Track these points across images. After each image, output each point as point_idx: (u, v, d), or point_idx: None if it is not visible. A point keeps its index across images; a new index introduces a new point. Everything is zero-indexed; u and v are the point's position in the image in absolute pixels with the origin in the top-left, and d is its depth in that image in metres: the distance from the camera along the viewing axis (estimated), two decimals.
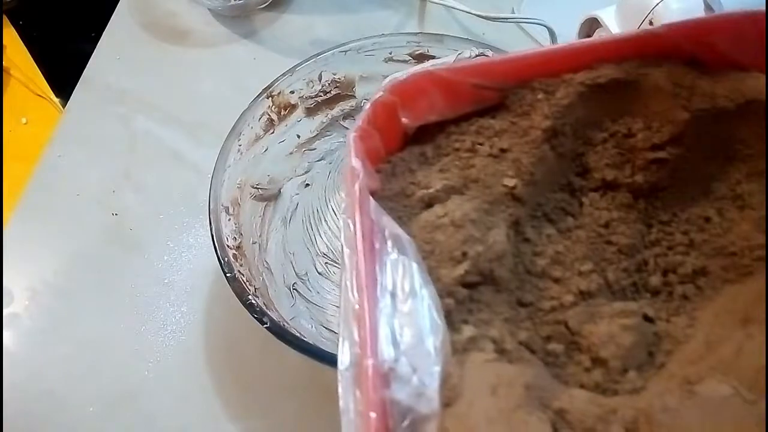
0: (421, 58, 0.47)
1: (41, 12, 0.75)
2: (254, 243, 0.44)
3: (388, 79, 0.24)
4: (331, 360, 0.35)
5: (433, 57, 0.46)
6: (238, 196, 0.43)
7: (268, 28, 0.66)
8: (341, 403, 0.19)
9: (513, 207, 0.25)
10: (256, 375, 0.47)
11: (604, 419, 0.19)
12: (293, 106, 0.47)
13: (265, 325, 0.35)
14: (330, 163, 0.50)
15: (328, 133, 0.50)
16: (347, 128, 0.51)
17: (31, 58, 0.71)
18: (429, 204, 0.24)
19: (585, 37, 0.49)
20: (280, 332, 0.35)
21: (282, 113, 0.47)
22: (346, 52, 0.46)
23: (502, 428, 0.19)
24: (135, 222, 0.54)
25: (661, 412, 0.19)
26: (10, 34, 0.73)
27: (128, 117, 0.60)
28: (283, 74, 0.46)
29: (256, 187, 0.45)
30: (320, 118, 0.49)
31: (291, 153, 0.49)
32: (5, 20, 0.73)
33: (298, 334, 0.36)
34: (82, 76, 0.63)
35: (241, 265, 0.40)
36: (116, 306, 0.50)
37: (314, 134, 0.50)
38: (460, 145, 0.25)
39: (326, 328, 0.43)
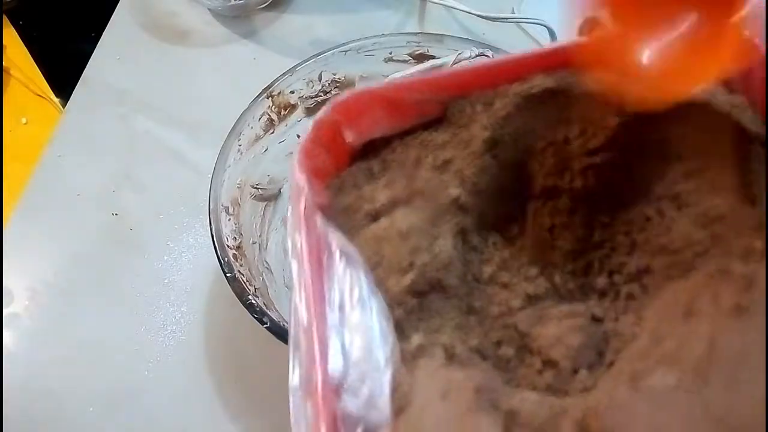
0: (421, 58, 0.47)
1: (41, 12, 0.75)
2: (254, 243, 0.44)
3: (332, 98, 0.25)
4: None
5: (433, 57, 0.46)
6: (238, 196, 0.43)
7: (268, 28, 0.66)
8: (292, 421, 0.20)
9: (458, 216, 0.25)
10: (256, 375, 0.47)
11: (554, 419, 0.19)
12: (293, 106, 0.47)
13: (265, 325, 0.35)
14: None
15: None
16: None
17: (31, 58, 0.71)
18: (376, 217, 0.24)
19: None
20: (280, 332, 0.35)
21: (282, 113, 0.47)
22: (346, 52, 0.46)
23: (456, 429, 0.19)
24: (135, 222, 0.54)
25: (609, 408, 0.19)
26: (10, 34, 0.73)
27: (128, 117, 0.60)
28: (283, 74, 0.46)
29: (256, 187, 0.45)
30: None
31: (291, 153, 0.49)
32: (5, 20, 0.73)
33: None
34: (82, 76, 0.63)
35: (241, 265, 0.40)
36: (116, 306, 0.50)
37: None
38: (405, 159, 0.26)
39: None
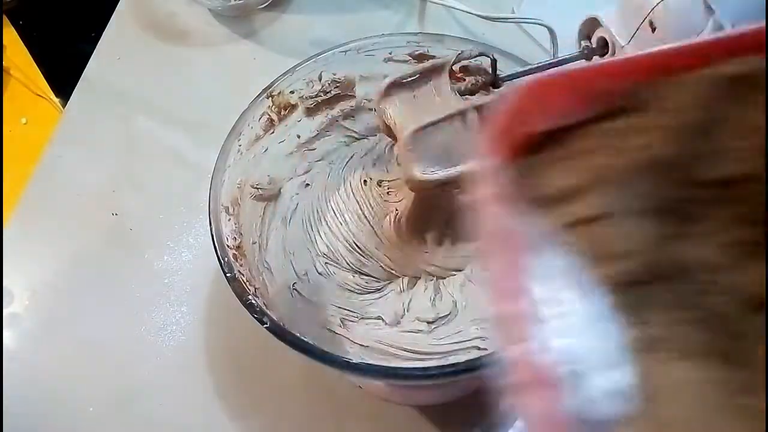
0: (421, 58, 0.47)
1: (41, 12, 0.75)
2: (254, 243, 0.44)
3: (519, 84, 0.24)
4: (330, 360, 0.35)
5: (433, 57, 0.46)
6: (238, 196, 0.43)
7: (268, 28, 0.66)
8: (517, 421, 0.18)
9: (655, 201, 0.23)
10: (256, 375, 0.47)
11: None
12: (293, 106, 0.47)
13: (265, 325, 0.35)
14: (330, 163, 0.50)
15: (328, 133, 0.50)
16: (347, 128, 0.51)
17: (31, 58, 0.71)
18: (563, 203, 0.23)
19: (585, 38, 0.49)
20: (280, 332, 0.35)
21: (282, 113, 0.47)
22: (346, 52, 0.46)
23: (705, 429, 0.18)
24: (135, 222, 0.54)
25: None
26: (10, 34, 0.73)
27: (128, 117, 0.60)
28: (283, 74, 0.46)
29: (256, 187, 0.45)
30: (320, 118, 0.49)
31: (291, 153, 0.49)
32: (5, 20, 0.73)
33: (298, 334, 0.36)
34: (82, 76, 0.63)
35: (241, 265, 0.40)
36: (116, 306, 0.50)
37: (314, 134, 0.50)
38: (592, 145, 0.24)
39: (326, 328, 0.43)
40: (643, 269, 0.21)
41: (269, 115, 0.46)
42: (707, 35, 0.26)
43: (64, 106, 0.64)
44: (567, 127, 0.25)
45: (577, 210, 0.22)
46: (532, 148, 0.25)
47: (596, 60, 0.47)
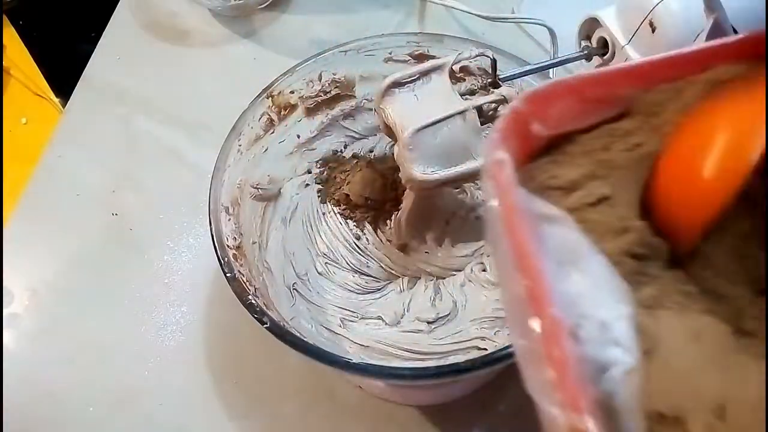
0: (421, 58, 0.47)
1: (41, 12, 0.75)
2: (254, 243, 0.44)
3: (525, 91, 0.25)
4: (330, 360, 0.35)
5: (433, 57, 0.46)
6: (238, 196, 0.43)
7: (268, 28, 0.66)
8: (531, 374, 0.19)
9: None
10: (256, 375, 0.47)
11: None
12: (293, 106, 0.47)
13: (265, 325, 0.35)
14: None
15: (328, 133, 0.50)
16: (347, 128, 0.51)
17: (31, 58, 0.71)
18: (570, 190, 0.24)
19: (585, 38, 0.49)
20: (280, 332, 0.35)
21: (282, 113, 0.47)
22: (346, 52, 0.46)
23: (714, 373, 0.19)
24: (135, 222, 0.54)
25: None
26: (10, 34, 0.73)
27: (128, 117, 0.60)
28: (283, 74, 0.46)
29: (256, 187, 0.45)
30: (320, 118, 0.49)
31: (291, 153, 0.49)
32: (5, 20, 0.73)
33: (298, 334, 0.36)
34: (82, 76, 0.63)
35: (241, 265, 0.40)
36: (116, 306, 0.50)
37: (314, 134, 0.50)
38: (592, 147, 0.26)
39: (326, 328, 0.43)
40: (639, 244, 0.23)
41: (269, 115, 0.46)
42: (691, 47, 0.27)
43: (64, 106, 0.64)
44: (569, 134, 0.26)
45: (582, 196, 0.24)
46: (536, 152, 0.26)
47: (593, 68, 0.48)
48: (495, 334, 0.42)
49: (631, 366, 0.19)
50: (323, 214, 0.49)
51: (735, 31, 0.37)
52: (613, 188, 0.24)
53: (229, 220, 0.41)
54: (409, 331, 0.43)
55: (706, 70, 0.26)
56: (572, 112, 0.26)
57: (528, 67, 0.42)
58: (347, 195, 0.48)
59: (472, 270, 0.45)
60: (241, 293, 0.37)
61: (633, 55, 0.43)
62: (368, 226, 0.48)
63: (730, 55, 0.26)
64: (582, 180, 0.24)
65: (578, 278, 0.21)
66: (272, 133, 0.46)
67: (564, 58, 0.46)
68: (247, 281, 0.38)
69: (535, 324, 0.19)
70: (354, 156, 0.51)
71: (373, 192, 0.48)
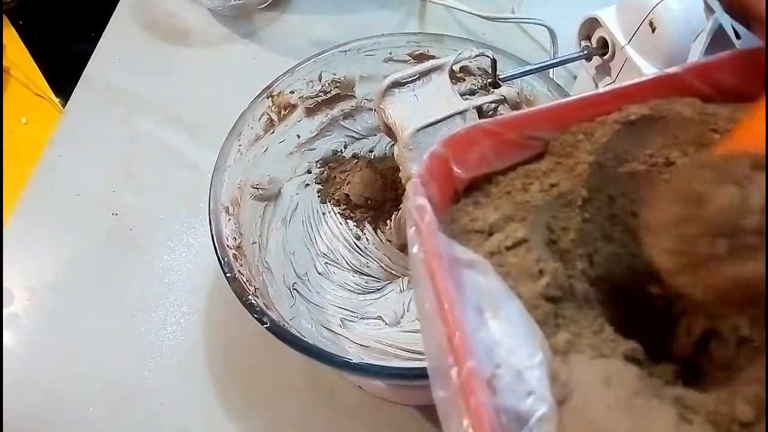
0: (421, 58, 0.47)
1: (41, 12, 0.75)
2: (254, 243, 0.44)
3: (444, 135, 0.26)
4: (330, 360, 0.35)
5: (433, 57, 0.46)
6: (238, 196, 0.43)
7: (268, 28, 0.66)
8: (442, 416, 0.19)
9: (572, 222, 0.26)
10: (256, 375, 0.47)
11: (726, 401, 0.20)
12: (293, 106, 0.47)
13: (265, 325, 0.35)
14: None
15: (328, 133, 0.50)
16: (347, 128, 0.51)
17: (31, 58, 0.71)
18: (489, 233, 0.25)
19: (585, 38, 0.49)
20: (280, 332, 0.35)
21: (282, 113, 0.47)
22: (346, 52, 0.46)
23: (624, 417, 0.19)
24: (135, 222, 0.54)
25: None
26: (10, 34, 0.73)
27: (128, 117, 0.60)
28: (283, 74, 0.46)
29: (256, 187, 0.45)
30: (320, 118, 0.49)
31: (291, 153, 0.49)
32: (5, 20, 0.73)
33: (298, 334, 0.36)
34: (82, 76, 0.63)
35: (241, 265, 0.40)
36: (116, 306, 0.50)
37: (314, 134, 0.50)
38: (512, 188, 0.27)
39: (326, 328, 0.43)
40: (554, 287, 0.23)
41: (269, 115, 0.46)
42: (604, 88, 0.28)
43: (64, 106, 0.64)
44: (490, 175, 0.28)
45: (501, 239, 0.25)
46: (459, 193, 0.27)
47: (592, 68, 0.48)
48: None
49: (544, 414, 0.19)
50: (323, 214, 0.49)
51: (735, 32, 0.37)
52: (530, 230, 0.25)
53: (229, 220, 0.41)
54: (409, 331, 0.43)
55: (616, 111, 0.27)
56: (492, 154, 0.27)
57: (528, 67, 0.42)
58: (347, 195, 0.48)
59: None
60: (241, 293, 0.37)
61: (633, 55, 0.43)
62: (368, 226, 0.48)
63: (643, 94, 0.28)
64: (500, 222, 0.25)
65: (496, 325, 0.21)
66: (272, 133, 0.46)
67: (564, 58, 0.46)
68: (247, 281, 0.38)
69: (453, 373, 0.19)
70: (354, 156, 0.51)
71: (373, 192, 0.48)
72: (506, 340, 0.21)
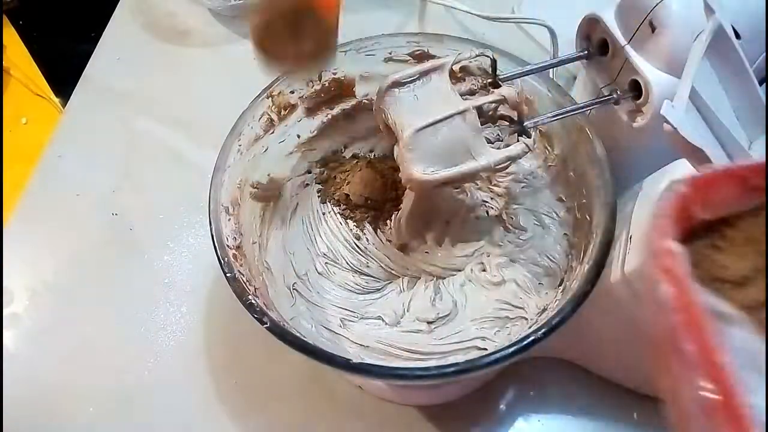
0: (421, 58, 0.46)
1: (41, 12, 0.75)
2: (254, 243, 0.44)
3: (689, 174, 0.25)
4: (330, 360, 0.35)
5: (433, 57, 0.46)
6: (238, 196, 0.43)
7: None
8: None
9: None
10: (256, 375, 0.47)
11: None
12: (293, 106, 0.47)
13: (265, 325, 0.35)
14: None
15: (328, 133, 0.50)
16: (347, 128, 0.51)
17: (31, 58, 0.71)
18: (742, 284, 0.24)
19: (585, 38, 0.48)
20: (280, 332, 0.35)
21: (282, 113, 0.47)
22: (346, 52, 0.46)
23: None
24: (135, 222, 0.54)
25: None
26: (10, 34, 0.73)
27: (128, 117, 0.60)
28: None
29: (256, 187, 0.45)
30: (320, 118, 0.49)
31: (291, 153, 0.49)
32: (5, 20, 0.73)
33: (298, 334, 0.36)
34: (82, 76, 0.63)
35: (241, 265, 0.40)
36: (116, 306, 0.50)
37: (314, 134, 0.50)
38: (752, 233, 0.26)
39: (326, 328, 0.43)
40: None
41: (269, 115, 0.46)
42: None
43: (64, 106, 0.64)
44: (725, 217, 0.26)
45: (756, 294, 0.23)
46: (693, 233, 0.26)
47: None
48: (495, 334, 0.42)
49: None
50: (323, 214, 0.49)
51: (736, 32, 0.37)
52: None
53: (229, 220, 0.41)
54: (409, 331, 0.43)
55: None
56: (734, 197, 0.26)
57: (528, 67, 0.42)
58: (347, 195, 0.48)
59: (472, 270, 0.45)
60: (241, 293, 0.37)
61: (633, 55, 0.43)
62: (368, 226, 0.48)
63: None
64: (752, 274, 0.24)
65: (761, 389, 0.20)
66: (272, 133, 0.46)
67: (564, 58, 0.46)
68: (247, 281, 0.38)
69: None
70: (354, 156, 0.51)
71: (373, 192, 0.48)
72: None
